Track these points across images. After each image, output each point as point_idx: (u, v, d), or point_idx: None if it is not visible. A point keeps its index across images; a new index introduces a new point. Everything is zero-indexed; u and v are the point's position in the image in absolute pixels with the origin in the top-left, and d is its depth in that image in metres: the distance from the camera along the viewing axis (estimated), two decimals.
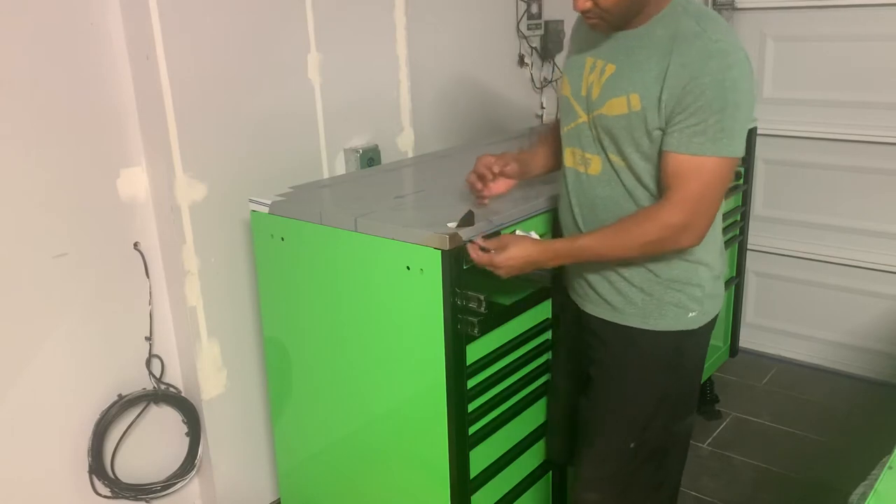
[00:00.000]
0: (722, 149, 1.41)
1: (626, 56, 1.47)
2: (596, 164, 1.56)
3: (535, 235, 1.60)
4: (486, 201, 1.73)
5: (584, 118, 1.56)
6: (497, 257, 1.52)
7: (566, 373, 1.87)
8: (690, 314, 1.60)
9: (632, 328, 1.61)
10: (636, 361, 1.64)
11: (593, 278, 1.64)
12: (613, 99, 1.48)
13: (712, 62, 1.38)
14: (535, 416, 1.94)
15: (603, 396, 1.70)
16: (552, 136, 1.78)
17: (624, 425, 1.67)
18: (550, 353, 1.94)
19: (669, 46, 1.42)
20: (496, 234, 1.64)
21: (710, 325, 1.67)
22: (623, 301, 1.61)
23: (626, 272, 1.58)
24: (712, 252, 1.62)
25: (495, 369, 1.77)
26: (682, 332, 1.60)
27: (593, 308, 1.67)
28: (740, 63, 1.40)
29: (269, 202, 1.87)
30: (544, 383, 1.95)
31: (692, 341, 1.64)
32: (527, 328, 1.86)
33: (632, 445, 1.66)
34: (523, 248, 1.53)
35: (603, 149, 1.54)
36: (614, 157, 1.53)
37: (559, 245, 1.59)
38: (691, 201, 1.44)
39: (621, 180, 1.54)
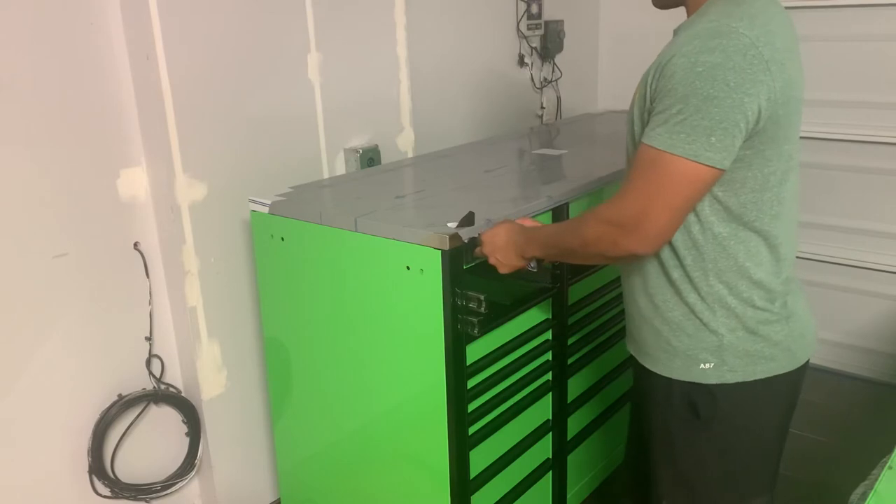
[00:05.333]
0: (676, 145, 1.17)
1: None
2: None
3: (529, 223, 1.60)
4: None
5: None
6: (484, 233, 1.56)
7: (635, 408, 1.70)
8: (703, 366, 1.35)
9: (647, 369, 1.45)
10: (653, 407, 1.46)
11: (625, 305, 1.51)
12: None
13: (695, 42, 1.17)
14: (535, 415, 1.94)
15: (647, 442, 1.52)
16: None
17: (666, 474, 1.50)
18: (550, 353, 1.95)
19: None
20: None
21: (759, 391, 1.35)
22: (639, 335, 1.46)
23: (641, 301, 1.42)
24: (741, 291, 1.32)
25: (495, 369, 1.77)
26: (693, 384, 1.37)
27: (627, 339, 1.54)
28: (728, 51, 1.15)
29: (269, 202, 1.87)
30: (544, 383, 1.95)
31: (717, 400, 1.36)
32: (527, 328, 1.86)
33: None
34: (505, 227, 1.54)
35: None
36: (625, 168, 1.43)
37: (535, 229, 1.53)
38: (634, 198, 1.23)
39: None
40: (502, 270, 1.56)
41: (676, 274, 1.34)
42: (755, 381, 1.35)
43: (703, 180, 1.20)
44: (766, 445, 1.44)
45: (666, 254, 1.34)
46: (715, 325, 1.34)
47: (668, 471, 1.48)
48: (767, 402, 1.39)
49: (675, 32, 1.30)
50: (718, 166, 1.19)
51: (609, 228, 1.27)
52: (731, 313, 1.33)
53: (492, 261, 1.56)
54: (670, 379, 1.40)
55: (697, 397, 1.37)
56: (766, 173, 1.27)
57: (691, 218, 1.29)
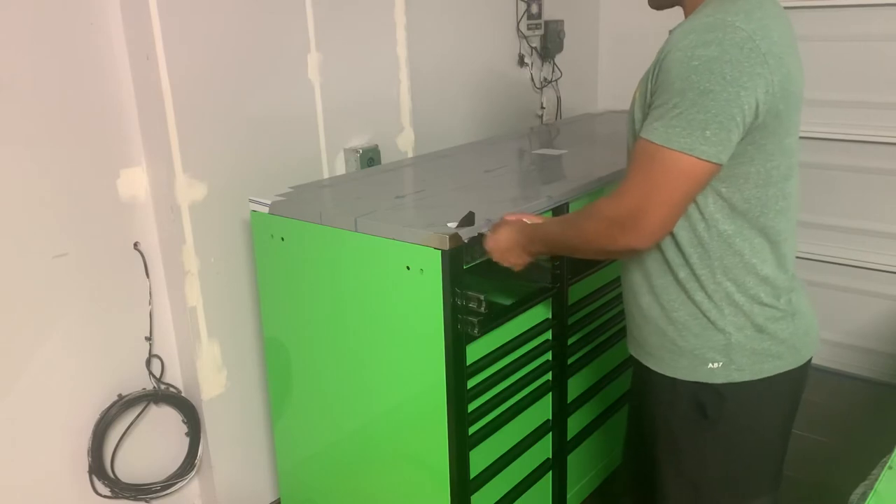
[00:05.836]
0: (672, 139, 1.17)
1: None
2: None
3: (528, 219, 1.59)
4: None
5: None
6: (489, 239, 1.57)
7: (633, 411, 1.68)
8: (711, 365, 1.34)
9: (650, 370, 1.44)
10: (656, 408, 1.45)
11: (625, 306, 1.50)
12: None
13: (691, 37, 1.17)
14: (535, 415, 1.94)
15: (649, 443, 1.51)
16: None
17: (668, 474, 1.49)
18: (550, 353, 1.95)
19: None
20: None
21: (765, 389, 1.35)
22: (641, 336, 1.45)
23: (645, 302, 1.41)
24: (748, 287, 1.32)
25: (495, 369, 1.77)
26: (700, 384, 1.36)
27: (628, 340, 1.53)
28: (725, 44, 1.15)
29: (269, 202, 1.87)
30: (544, 383, 1.95)
31: (724, 400, 1.35)
32: (527, 328, 1.86)
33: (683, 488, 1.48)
34: (505, 230, 1.55)
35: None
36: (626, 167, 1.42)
37: (536, 226, 1.52)
38: (632, 194, 1.23)
39: None
40: (517, 269, 1.58)
41: (683, 273, 1.34)
42: (761, 380, 1.35)
43: (700, 174, 1.20)
44: (770, 444, 1.44)
45: (671, 253, 1.34)
46: (722, 323, 1.33)
47: (671, 471, 1.47)
48: (772, 401, 1.39)
49: (671, 33, 1.30)
50: (714, 160, 1.18)
51: (608, 225, 1.27)
52: (739, 311, 1.32)
53: (504, 264, 1.58)
54: (675, 379, 1.39)
55: (704, 397, 1.36)
56: (769, 168, 1.27)
57: (696, 216, 1.29)
